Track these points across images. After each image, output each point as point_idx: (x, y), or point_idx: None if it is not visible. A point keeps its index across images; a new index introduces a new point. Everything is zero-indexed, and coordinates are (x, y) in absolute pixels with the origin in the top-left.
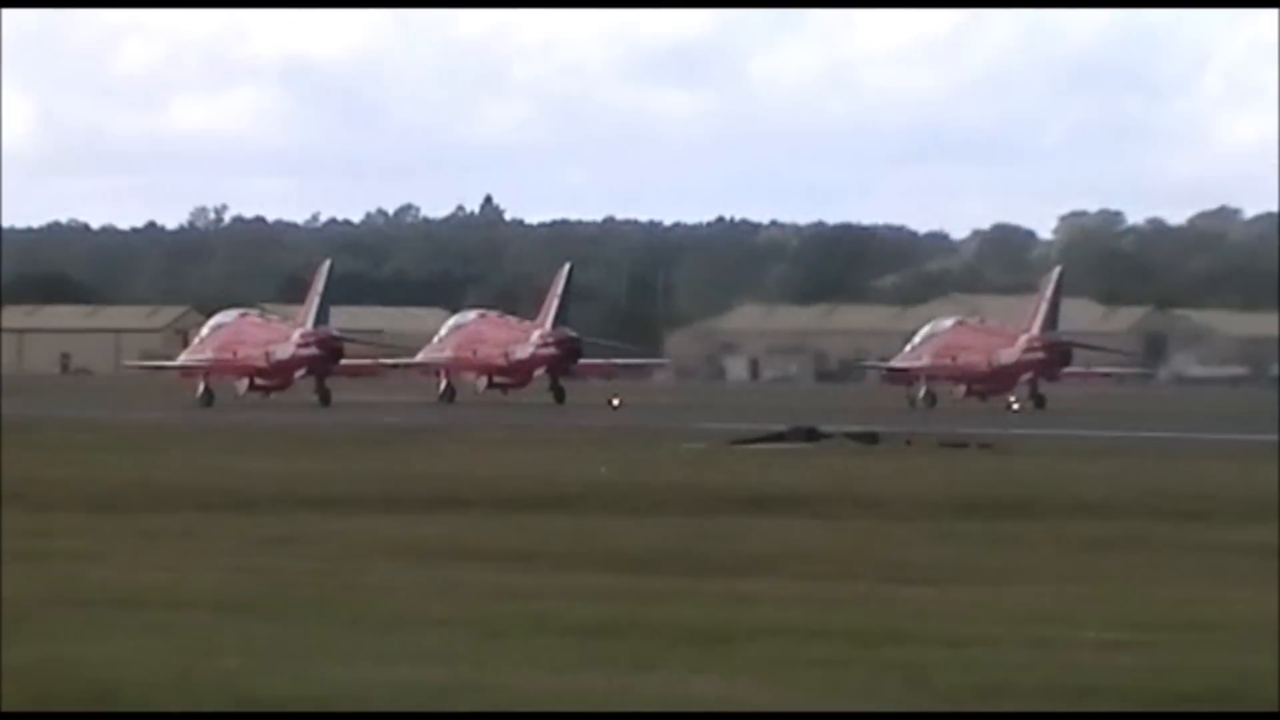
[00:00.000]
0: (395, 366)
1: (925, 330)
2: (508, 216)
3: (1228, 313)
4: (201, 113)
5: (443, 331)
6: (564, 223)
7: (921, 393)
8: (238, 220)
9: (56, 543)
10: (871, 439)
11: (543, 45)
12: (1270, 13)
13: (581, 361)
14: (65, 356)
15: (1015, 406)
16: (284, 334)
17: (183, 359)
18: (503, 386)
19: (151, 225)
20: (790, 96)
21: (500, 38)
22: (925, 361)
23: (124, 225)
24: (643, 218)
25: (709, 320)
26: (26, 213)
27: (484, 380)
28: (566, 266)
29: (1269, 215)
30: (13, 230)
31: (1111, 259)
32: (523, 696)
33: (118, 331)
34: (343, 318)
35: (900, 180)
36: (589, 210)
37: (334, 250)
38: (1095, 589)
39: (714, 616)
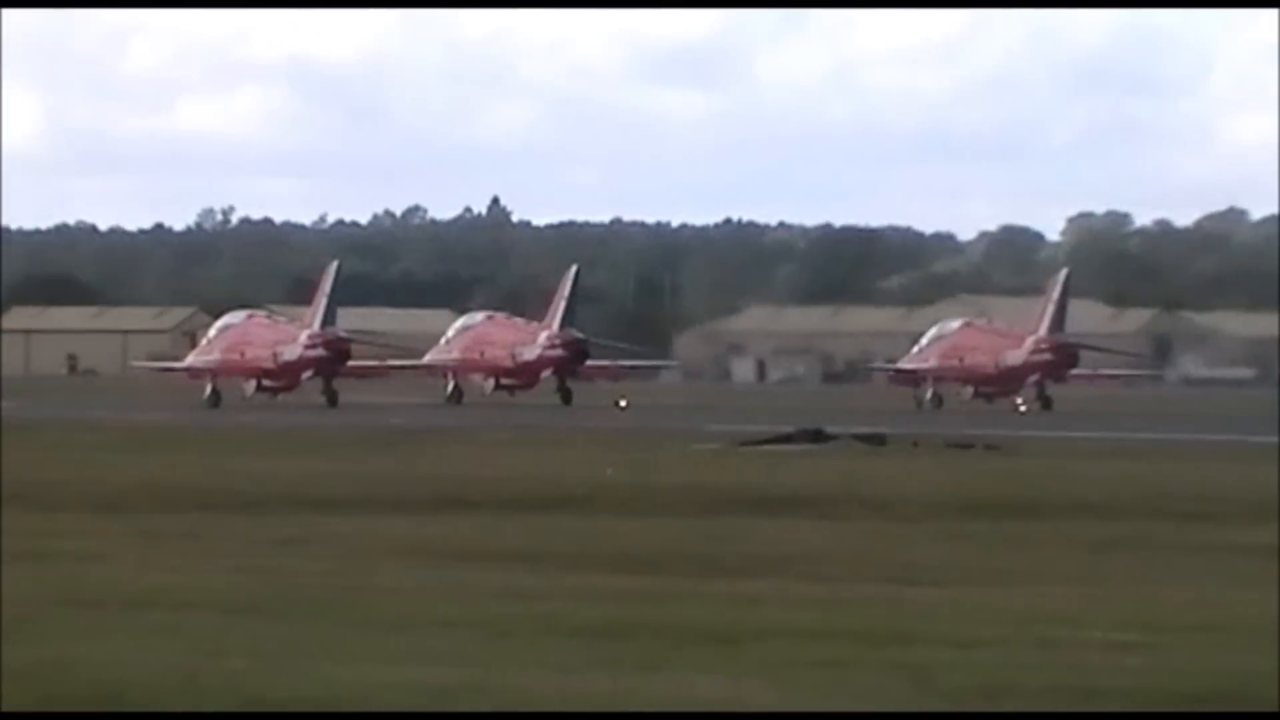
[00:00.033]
0: (402, 368)
1: (932, 331)
2: (515, 218)
3: (1235, 314)
4: (209, 114)
5: (450, 333)
6: (571, 224)
7: (929, 394)
8: (245, 221)
9: (62, 543)
10: (879, 440)
11: (550, 46)
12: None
13: (589, 363)
14: (72, 357)
15: (1022, 408)
16: (291, 335)
17: (190, 360)
18: (510, 388)
19: (159, 226)
20: (798, 98)
21: (507, 39)
22: (932, 363)
23: (131, 226)
24: (650, 219)
25: (716, 321)
26: (34, 214)
27: (491, 382)
28: (573, 268)
29: (1276, 217)
30: (20, 231)
31: (1119, 260)
32: (530, 697)
33: (125, 333)
34: (350, 319)
35: (908, 181)
36: (596, 211)
37: (341, 251)
38: (1101, 590)
39: (721, 617)
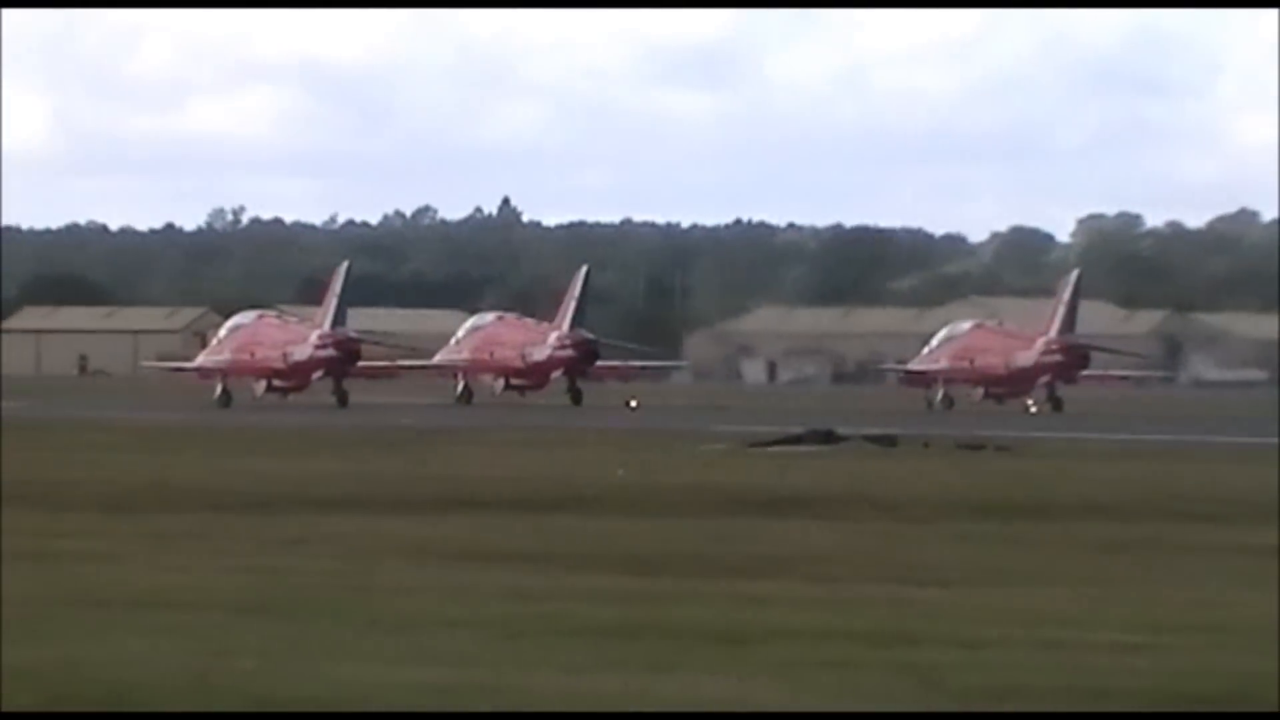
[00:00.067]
0: (413, 368)
1: (943, 333)
2: (525, 218)
3: (1246, 316)
4: (219, 114)
5: (460, 333)
6: (581, 224)
7: (939, 395)
8: (255, 222)
9: (71, 543)
10: (889, 441)
11: (561, 47)
12: None
13: (599, 363)
14: (83, 358)
15: (1033, 409)
16: (302, 335)
17: (200, 360)
18: (520, 388)
19: (169, 226)
20: (808, 98)
21: (518, 39)
22: (943, 364)
23: (142, 226)
24: (660, 219)
25: (726, 322)
26: (44, 214)
27: (501, 382)
28: (584, 268)
29: None
30: (31, 231)
31: (1130, 262)
32: (538, 697)
33: (135, 333)
34: (360, 319)
35: (918, 182)
36: (606, 212)
37: (351, 252)
38: (1110, 591)
39: (730, 618)
